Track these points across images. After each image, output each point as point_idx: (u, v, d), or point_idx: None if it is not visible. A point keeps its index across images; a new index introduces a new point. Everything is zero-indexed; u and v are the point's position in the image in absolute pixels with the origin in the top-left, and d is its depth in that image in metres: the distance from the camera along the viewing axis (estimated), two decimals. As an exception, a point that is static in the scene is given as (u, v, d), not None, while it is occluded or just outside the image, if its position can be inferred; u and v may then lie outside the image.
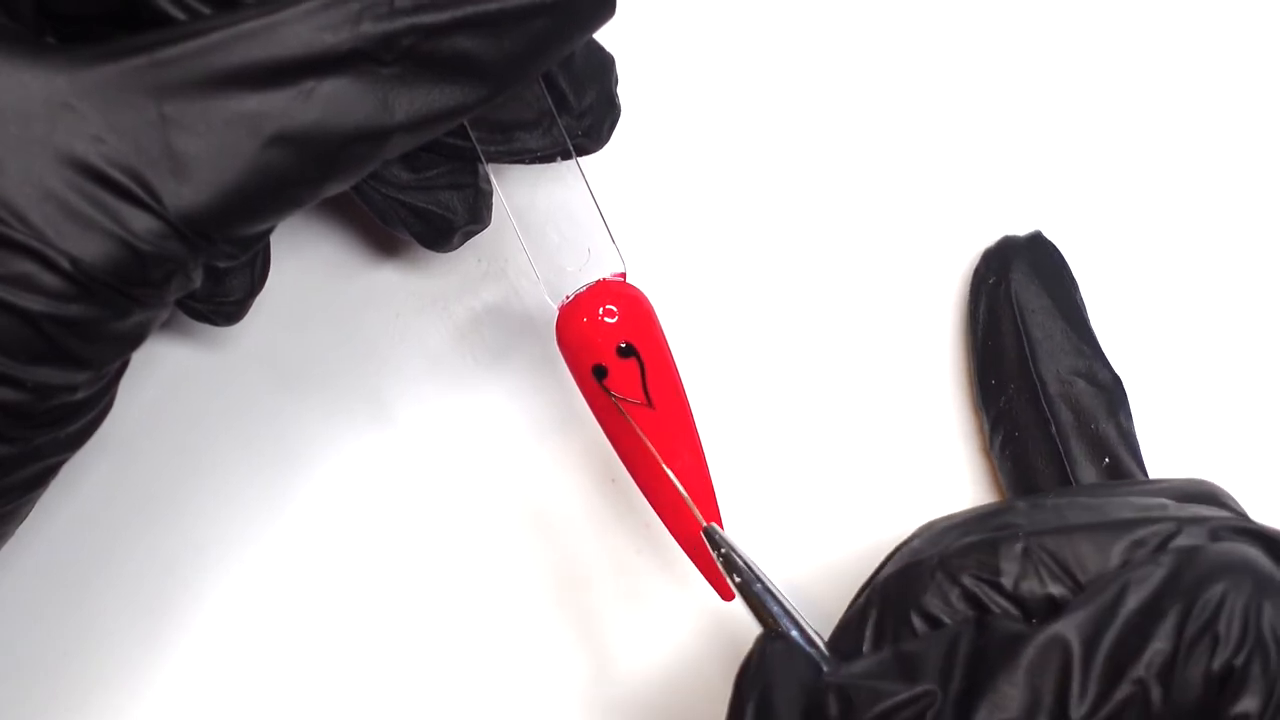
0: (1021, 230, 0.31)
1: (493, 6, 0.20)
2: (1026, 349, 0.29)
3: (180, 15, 0.20)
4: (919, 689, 0.20)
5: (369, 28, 0.20)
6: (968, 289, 0.31)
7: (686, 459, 0.27)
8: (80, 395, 0.21)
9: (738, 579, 0.24)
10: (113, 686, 0.29)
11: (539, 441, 0.30)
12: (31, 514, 0.23)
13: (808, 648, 0.23)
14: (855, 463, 0.31)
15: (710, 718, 0.29)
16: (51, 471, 0.22)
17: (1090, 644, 0.20)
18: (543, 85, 0.26)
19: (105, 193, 0.19)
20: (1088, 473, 0.28)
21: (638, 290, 0.27)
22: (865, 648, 0.22)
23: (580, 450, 0.30)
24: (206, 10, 0.20)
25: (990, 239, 0.31)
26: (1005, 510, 0.23)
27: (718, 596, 0.27)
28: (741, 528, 0.28)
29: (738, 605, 0.26)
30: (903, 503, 0.30)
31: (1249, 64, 0.33)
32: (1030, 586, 0.21)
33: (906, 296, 0.32)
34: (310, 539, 0.30)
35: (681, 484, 0.27)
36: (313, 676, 0.29)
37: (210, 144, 0.19)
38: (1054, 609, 0.21)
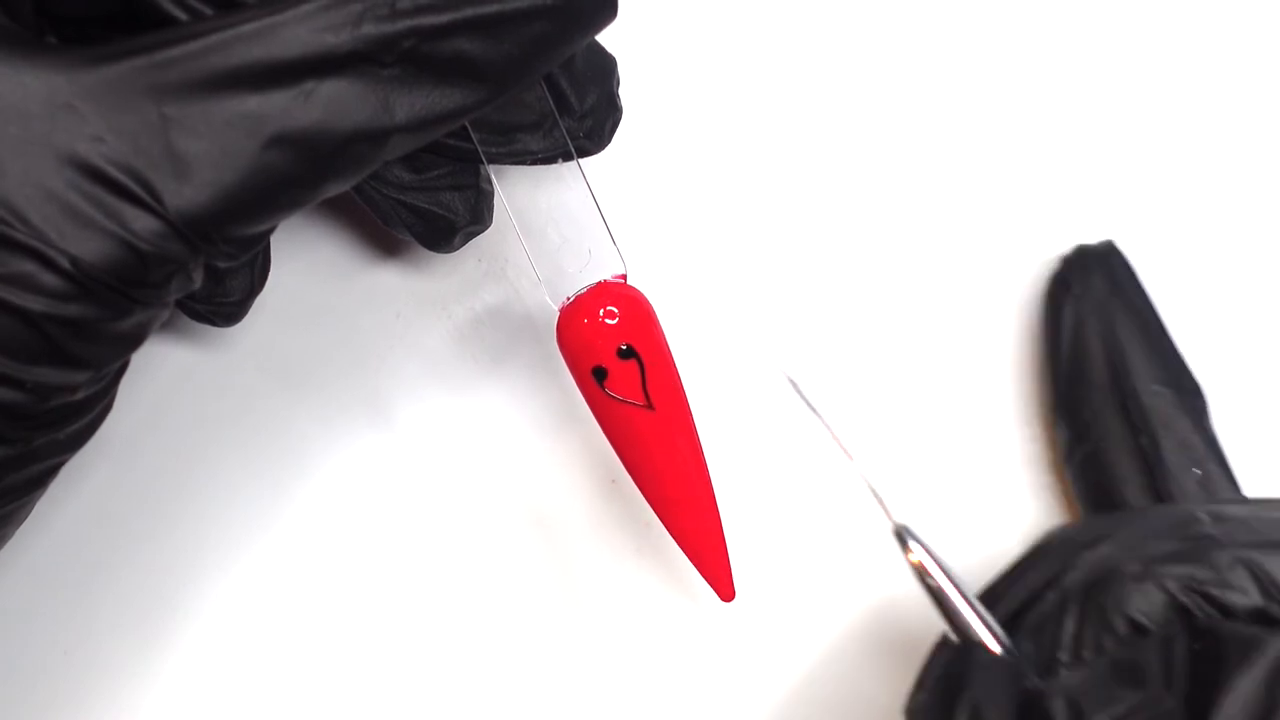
0: (1031, 241, 0.31)
1: (493, 9, 0.20)
2: (1117, 361, 0.28)
3: (180, 16, 0.20)
4: (1148, 692, 0.20)
5: (370, 29, 0.20)
6: (975, 300, 0.31)
7: (687, 461, 0.27)
8: (80, 396, 0.21)
9: (931, 582, 0.23)
10: (113, 686, 0.29)
11: (539, 442, 0.30)
12: (32, 514, 0.23)
13: (1003, 654, 0.23)
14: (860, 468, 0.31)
15: (708, 717, 0.29)
16: (51, 473, 0.22)
17: None
18: (544, 87, 0.26)
19: (105, 193, 0.19)
20: (1180, 485, 0.27)
21: (638, 292, 0.27)
22: (1062, 652, 0.22)
23: (580, 451, 0.30)
24: (207, 11, 0.20)
25: (993, 251, 0.31)
26: (1192, 519, 0.23)
27: (717, 597, 0.27)
28: (741, 535, 0.28)
29: (737, 606, 0.26)
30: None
31: None
32: (1236, 598, 0.22)
33: (910, 299, 0.31)
34: (310, 539, 0.30)
35: (683, 486, 0.27)
36: (313, 676, 0.29)
37: (210, 144, 0.19)
38: (1260, 620, 0.21)
